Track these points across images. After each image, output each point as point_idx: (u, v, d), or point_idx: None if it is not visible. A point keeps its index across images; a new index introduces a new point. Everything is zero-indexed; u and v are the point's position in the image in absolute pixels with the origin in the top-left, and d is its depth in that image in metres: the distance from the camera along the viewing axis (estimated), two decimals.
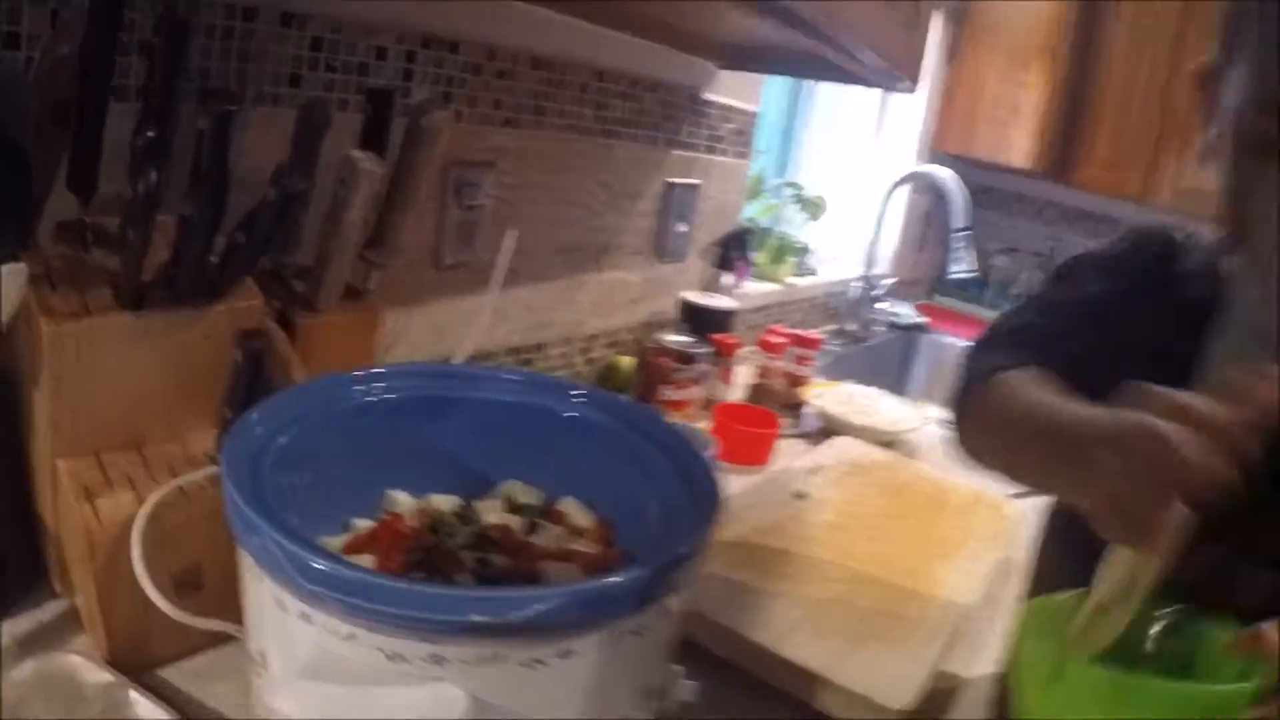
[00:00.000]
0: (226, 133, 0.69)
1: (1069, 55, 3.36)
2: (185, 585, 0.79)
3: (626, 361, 1.79)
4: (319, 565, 0.52)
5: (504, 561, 0.74)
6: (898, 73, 1.46)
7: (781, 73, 2.10)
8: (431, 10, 1.25)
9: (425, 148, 0.96)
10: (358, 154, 0.87)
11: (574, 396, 0.86)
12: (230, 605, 0.66)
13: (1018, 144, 3.48)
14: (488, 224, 1.40)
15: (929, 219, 3.78)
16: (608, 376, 1.80)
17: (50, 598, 0.86)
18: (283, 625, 0.57)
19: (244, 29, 1.03)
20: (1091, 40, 3.41)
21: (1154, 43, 3.26)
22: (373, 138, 0.95)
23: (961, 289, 3.85)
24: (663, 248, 1.94)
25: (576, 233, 1.65)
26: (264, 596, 0.58)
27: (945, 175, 2.73)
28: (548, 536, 0.80)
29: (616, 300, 1.85)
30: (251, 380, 0.74)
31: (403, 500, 0.82)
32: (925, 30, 1.59)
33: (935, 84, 3.50)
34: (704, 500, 0.70)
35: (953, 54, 3.51)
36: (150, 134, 0.71)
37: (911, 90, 1.64)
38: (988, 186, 4.21)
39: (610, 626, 0.56)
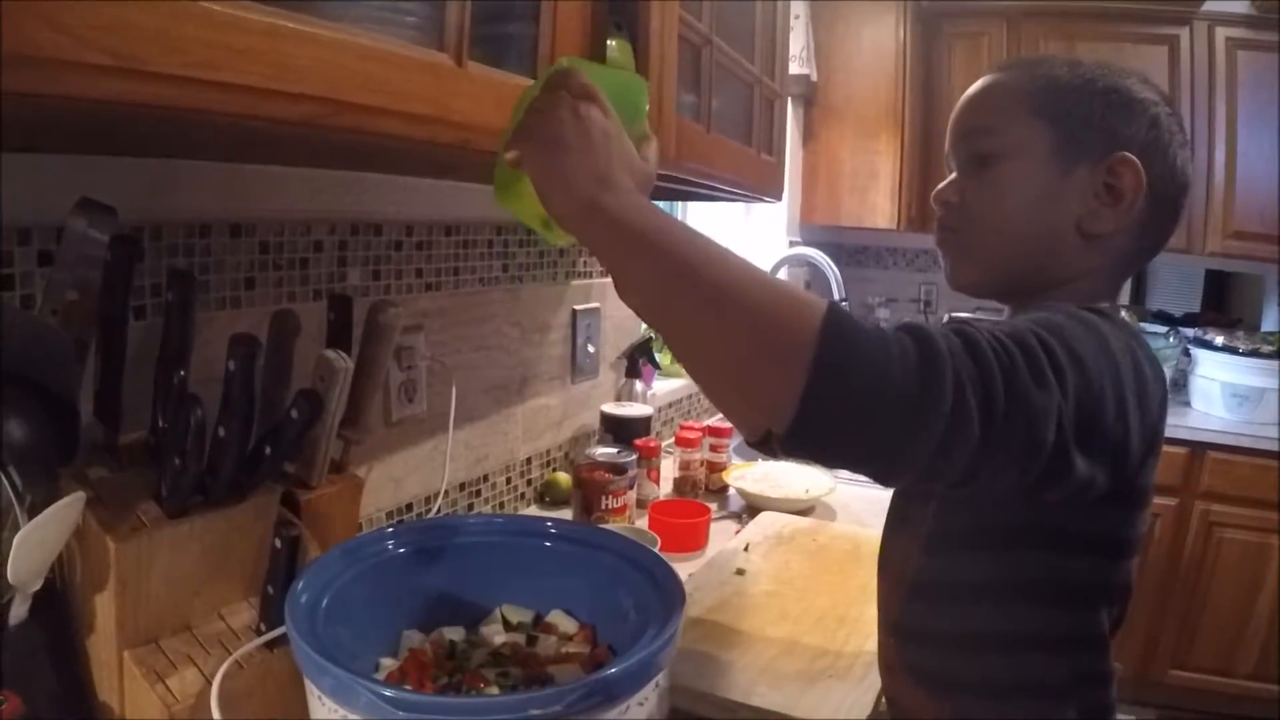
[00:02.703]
0: (252, 372, 0.86)
1: (912, 121, 3.68)
2: None
3: (563, 477, 1.95)
4: (411, 699, 0.69)
5: (519, 673, 0.91)
6: (763, 194, 1.68)
7: (658, 199, 2.28)
8: (356, 199, 1.41)
9: (383, 340, 1.12)
10: (331, 354, 1.02)
11: (547, 529, 1.04)
12: None
13: (879, 207, 3.76)
14: (424, 380, 1.57)
15: (808, 288, 4.01)
16: (546, 492, 1.96)
17: None
18: None
19: (201, 244, 1.17)
20: (931, 104, 3.75)
21: None
22: (337, 335, 1.12)
23: None
24: (576, 369, 2.11)
25: (499, 371, 1.81)
26: None
27: (816, 254, 2.95)
28: (545, 646, 0.97)
29: (542, 424, 2.01)
30: (289, 561, 0.90)
31: (417, 638, 0.98)
32: (783, 150, 1.80)
33: (796, 163, 3.76)
34: (670, 593, 0.88)
35: (808, 135, 3.80)
36: (181, 374, 0.87)
37: (778, 200, 1.85)
38: (862, 245, 4.52)
39: (625, 702, 0.74)
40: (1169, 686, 3.41)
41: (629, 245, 0.73)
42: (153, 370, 0.99)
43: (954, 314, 3.92)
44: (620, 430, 2.04)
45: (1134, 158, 0.92)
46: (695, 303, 0.69)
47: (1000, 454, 0.68)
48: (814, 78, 3.62)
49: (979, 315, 3.26)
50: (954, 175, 1.03)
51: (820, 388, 0.63)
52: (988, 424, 0.65)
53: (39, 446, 0.83)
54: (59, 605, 0.92)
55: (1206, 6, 3.34)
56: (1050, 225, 0.95)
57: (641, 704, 0.77)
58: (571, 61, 0.86)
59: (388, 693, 0.70)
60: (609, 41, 1.12)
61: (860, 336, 0.64)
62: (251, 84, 0.64)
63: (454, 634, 0.99)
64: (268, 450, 0.92)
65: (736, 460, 2.24)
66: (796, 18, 3.32)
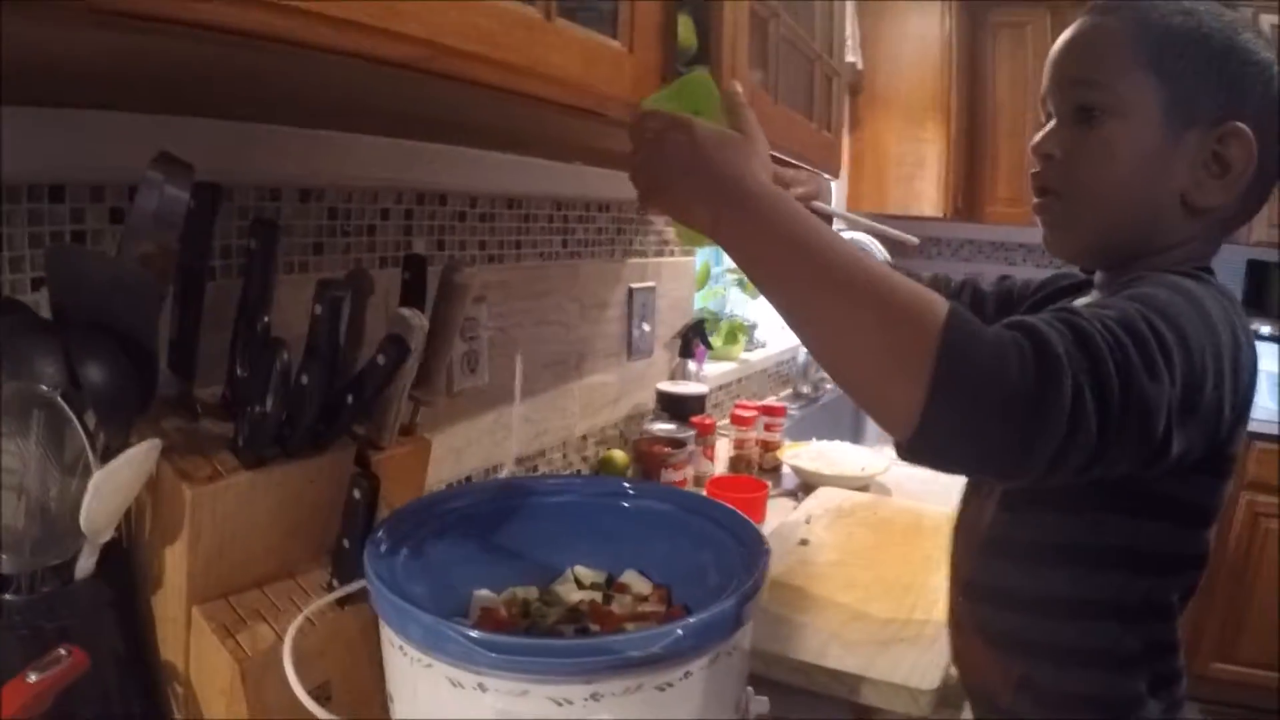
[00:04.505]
0: (338, 316, 0.85)
1: (958, 109, 3.66)
2: (319, 699, 0.91)
3: (619, 454, 1.94)
4: (502, 640, 0.67)
5: (597, 629, 0.90)
6: (823, 171, 1.67)
7: None
8: (423, 169, 1.41)
9: (456, 300, 1.11)
10: (407, 312, 1.01)
11: (625, 490, 1.03)
12: (359, 713, 0.83)
13: (925, 195, 3.76)
14: (485, 352, 1.56)
15: None
16: (601, 469, 1.95)
17: None
18: (455, 702, 0.71)
19: (271, 208, 1.18)
20: (976, 92, 3.72)
21: (1030, 85, 3.58)
22: (411, 295, 1.11)
23: None
24: (632, 347, 2.11)
25: (558, 347, 1.81)
26: (432, 683, 0.72)
27: (864, 239, 2.92)
28: (620, 604, 0.96)
29: (598, 401, 2.00)
30: (368, 512, 0.89)
31: (489, 597, 0.97)
32: (840, 129, 1.79)
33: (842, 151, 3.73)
34: (755, 548, 0.87)
35: (854, 122, 3.78)
36: (265, 320, 0.86)
37: (835, 178, 1.84)
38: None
39: (714, 649, 0.72)
40: (1213, 680, 3.38)
41: (756, 251, 0.76)
42: (223, 330, 0.99)
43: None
44: (676, 408, 2.05)
45: (1246, 129, 0.86)
46: (824, 303, 0.71)
47: (1116, 449, 0.68)
48: (859, 65, 3.61)
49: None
50: (1053, 124, 0.96)
51: (941, 397, 0.64)
52: (1104, 423, 0.65)
53: (116, 391, 0.82)
54: (125, 561, 0.91)
55: None
56: (1155, 194, 0.90)
57: (730, 653, 0.75)
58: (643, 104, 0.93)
59: (475, 634, 0.69)
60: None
61: (979, 343, 0.65)
62: (359, 20, 0.64)
63: (527, 593, 0.97)
64: (349, 399, 0.91)
65: (790, 441, 2.22)
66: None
